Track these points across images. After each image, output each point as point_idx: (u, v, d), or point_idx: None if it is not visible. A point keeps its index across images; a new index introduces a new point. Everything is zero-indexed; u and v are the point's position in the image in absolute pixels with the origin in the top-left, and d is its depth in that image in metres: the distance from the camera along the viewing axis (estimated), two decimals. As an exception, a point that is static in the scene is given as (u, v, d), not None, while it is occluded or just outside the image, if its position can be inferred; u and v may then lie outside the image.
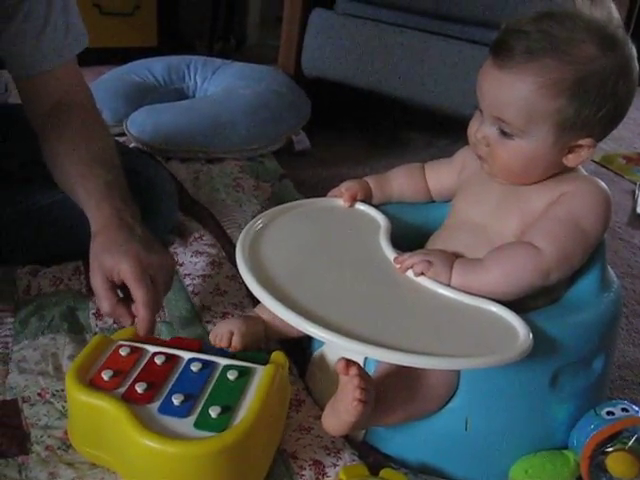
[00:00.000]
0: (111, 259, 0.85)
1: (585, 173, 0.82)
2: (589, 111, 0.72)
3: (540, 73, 0.72)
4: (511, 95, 0.74)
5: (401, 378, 0.75)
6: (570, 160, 0.77)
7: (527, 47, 0.72)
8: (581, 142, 0.76)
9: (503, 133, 0.76)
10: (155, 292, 0.86)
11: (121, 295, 0.87)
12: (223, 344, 0.85)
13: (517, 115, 0.74)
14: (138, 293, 0.84)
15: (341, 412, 0.70)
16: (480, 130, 0.78)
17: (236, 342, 0.85)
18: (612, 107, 0.73)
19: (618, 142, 2.36)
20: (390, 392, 0.75)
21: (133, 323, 0.86)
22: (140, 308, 0.84)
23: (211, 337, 0.87)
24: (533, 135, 0.75)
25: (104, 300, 0.85)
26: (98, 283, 0.86)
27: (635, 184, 1.94)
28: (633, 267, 1.45)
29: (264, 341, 0.90)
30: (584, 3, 0.74)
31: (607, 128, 0.76)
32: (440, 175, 0.94)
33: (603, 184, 0.80)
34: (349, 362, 0.69)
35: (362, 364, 0.78)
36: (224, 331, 0.86)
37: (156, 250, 0.90)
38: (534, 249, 0.75)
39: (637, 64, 0.75)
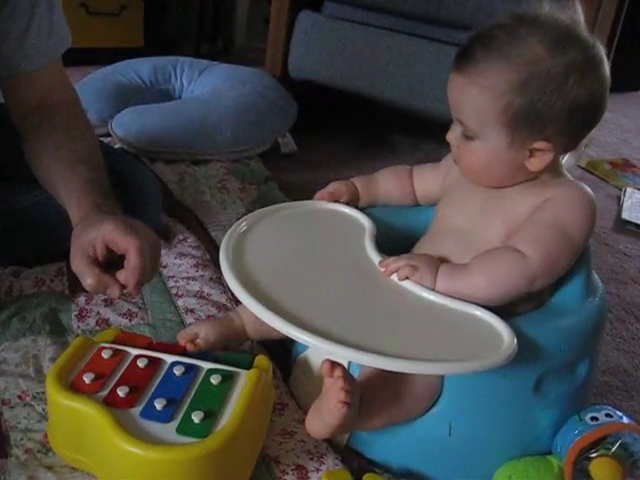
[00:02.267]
0: (93, 230, 0.83)
1: (571, 178, 0.82)
2: (536, 112, 0.73)
3: (486, 75, 0.73)
4: (464, 98, 0.76)
5: (385, 382, 0.75)
6: (532, 164, 0.77)
7: (478, 51, 0.74)
8: (537, 145, 0.75)
9: (465, 135, 0.78)
10: (145, 243, 0.82)
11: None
12: (182, 343, 0.84)
13: (470, 117, 0.77)
14: (129, 242, 0.81)
15: (325, 414, 0.70)
16: (449, 132, 0.81)
17: (198, 344, 0.84)
18: (565, 109, 0.73)
19: (604, 148, 2.38)
20: (374, 396, 0.74)
21: (121, 293, 0.82)
22: (132, 254, 0.81)
23: (178, 336, 0.86)
24: (488, 137, 0.76)
25: (87, 274, 0.82)
26: (78, 261, 0.83)
27: (620, 189, 1.95)
28: (618, 272, 1.45)
29: (241, 342, 0.91)
30: (551, 5, 0.75)
31: (570, 133, 0.76)
32: (427, 179, 0.95)
33: (588, 189, 0.80)
34: (334, 364, 0.69)
35: (347, 366, 0.78)
36: (189, 332, 0.86)
37: (141, 225, 0.87)
38: (520, 255, 0.75)
39: (602, 67, 0.74)
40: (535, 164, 0.77)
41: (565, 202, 0.77)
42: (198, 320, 0.99)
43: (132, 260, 0.81)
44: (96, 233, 0.82)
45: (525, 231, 0.77)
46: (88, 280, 0.81)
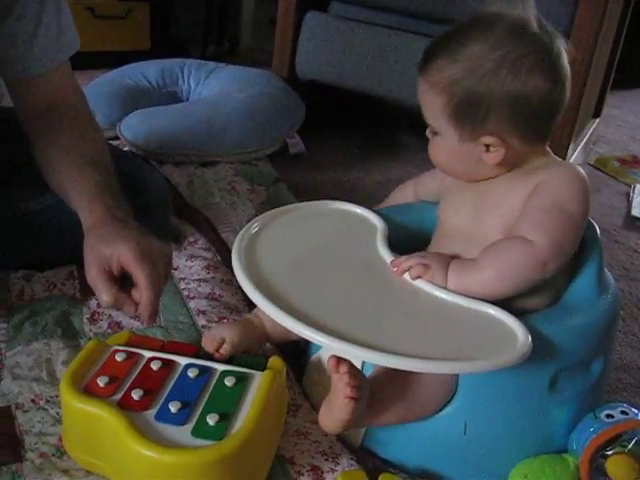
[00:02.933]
0: (108, 247, 0.84)
1: (558, 159, 0.82)
2: (473, 106, 0.75)
3: (433, 73, 0.78)
4: (421, 96, 0.81)
5: (397, 379, 0.75)
6: (488, 158, 0.78)
7: (432, 51, 0.78)
8: (486, 140, 0.77)
9: (432, 132, 0.82)
10: (157, 275, 0.84)
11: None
12: (209, 351, 0.82)
13: (427, 114, 0.81)
14: (140, 275, 0.82)
15: (334, 410, 0.70)
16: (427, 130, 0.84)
17: (225, 350, 0.82)
18: (502, 102, 0.74)
19: (612, 145, 2.37)
20: (386, 392, 0.74)
21: (136, 311, 0.84)
22: (143, 290, 0.82)
23: (203, 342, 0.85)
24: (444, 132, 0.79)
25: (103, 291, 0.83)
26: (94, 275, 0.84)
27: (629, 186, 1.94)
28: (629, 269, 1.45)
29: (262, 344, 0.90)
30: (501, 4, 0.77)
31: (520, 126, 0.76)
32: (427, 187, 0.97)
33: (577, 167, 0.80)
34: (339, 360, 0.69)
35: (360, 367, 0.78)
36: (216, 337, 0.83)
37: (153, 237, 0.88)
38: (526, 242, 0.74)
39: (551, 60, 0.75)
40: (491, 158, 0.78)
41: (558, 183, 0.77)
42: (210, 322, 0.99)
43: (144, 296, 0.82)
44: (111, 251, 0.83)
45: (526, 218, 0.76)
46: (105, 297, 0.83)
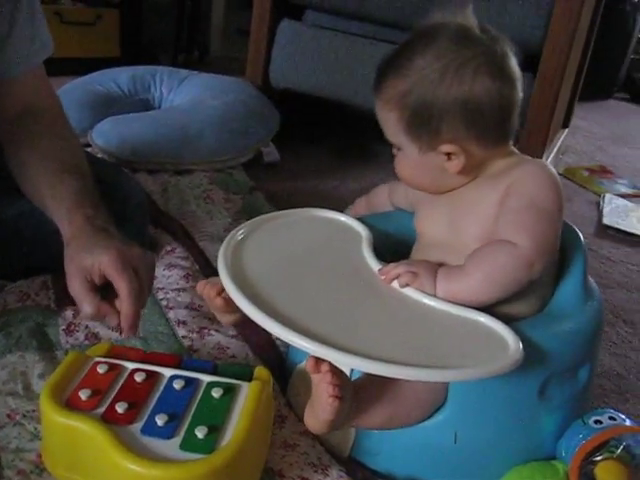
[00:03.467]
0: (90, 257, 0.81)
1: (523, 156, 0.82)
2: (423, 116, 0.76)
3: (385, 91, 0.79)
4: (378, 114, 0.82)
5: (385, 380, 0.73)
6: (451, 166, 0.79)
7: (382, 70, 0.80)
8: (445, 149, 0.77)
9: (395, 148, 0.83)
10: (139, 284, 0.82)
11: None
12: (210, 295, 0.80)
13: (386, 131, 0.82)
14: (122, 284, 0.80)
15: (318, 411, 0.69)
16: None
17: (227, 295, 0.76)
18: (452, 108, 0.75)
19: (580, 155, 2.41)
20: (373, 392, 0.73)
21: (119, 321, 0.81)
22: (125, 300, 0.79)
23: (199, 285, 0.82)
24: (404, 147, 0.81)
25: (86, 302, 0.80)
26: (77, 286, 0.81)
27: (599, 195, 1.97)
28: (603, 277, 1.46)
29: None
30: (443, 14, 0.79)
31: (477, 130, 0.77)
32: (399, 194, 0.96)
33: (543, 162, 0.81)
34: (318, 360, 0.67)
35: (348, 373, 0.77)
36: (217, 282, 0.79)
37: (135, 246, 0.86)
38: (510, 245, 0.74)
39: (497, 64, 0.76)
40: (453, 166, 0.79)
41: (529, 182, 0.77)
42: (191, 332, 0.97)
43: (124, 307, 0.80)
44: (92, 260, 0.81)
45: (505, 221, 0.76)
46: (87, 308, 0.80)
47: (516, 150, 0.83)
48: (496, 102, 0.76)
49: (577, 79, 2.13)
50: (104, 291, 0.82)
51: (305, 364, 0.82)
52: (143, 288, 0.83)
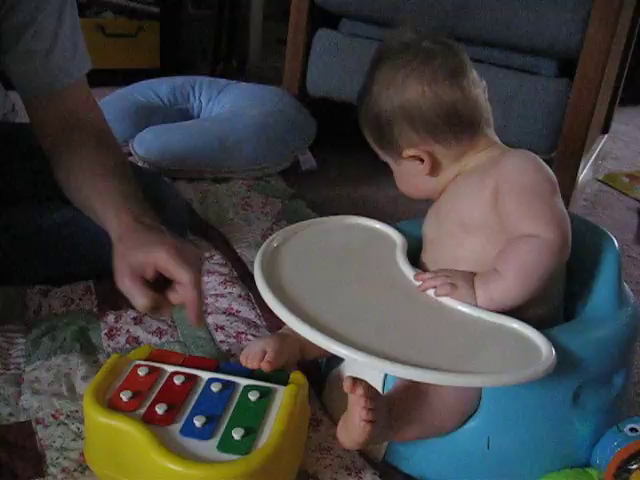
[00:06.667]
0: (141, 253, 0.82)
1: (500, 146, 0.84)
2: (380, 129, 0.83)
3: (359, 115, 0.87)
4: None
5: (417, 393, 0.75)
6: (426, 169, 0.82)
7: (357, 101, 0.87)
8: (407, 153, 0.82)
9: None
10: (198, 275, 0.82)
11: None
12: (254, 365, 0.80)
13: (375, 151, 0.89)
14: (184, 275, 0.80)
15: (351, 431, 0.70)
16: None
17: (270, 357, 0.80)
18: (400, 116, 0.80)
19: (620, 161, 2.37)
20: (406, 407, 0.74)
21: (170, 312, 0.83)
22: (188, 289, 0.80)
23: (242, 357, 0.82)
24: (387, 162, 0.88)
25: (140, 295, 0.81)
26: (128, 282, 0.82)
27: (639, 202, 1.94)
28: (642, 284, 1.44)
29: (298, 358, 0.86)
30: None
31: (435, 131, 0.80)
32: None
33: (520, 150, 0.81)
34: (355, 380, 0.69)
35: (381, 382, 0.78)
36: (256, 350, 0.81)
37: (185, 241, 0.88)
38: (529, 237, 0.75)
39: (441, 72, 0.79)
40: (427, 169, 0.82)
41: (516, 173, 0.78)
42: (229, 337, 0.99)
43: (189, 296, 0.81)
44: (146, 257, 0.82)
45: (515, 219, 0.76)
46: (141, 301, 0.81)
47: (498, 140, 0.85)
48: (434, 102, 0.79)
49: (617, 84, 2.10)
50: (154, 288, 0.83)
51: (340, 370, 0.85)
52: (201, 279, 0.84)
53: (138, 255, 0.82)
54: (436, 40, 0.82)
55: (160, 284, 0.83)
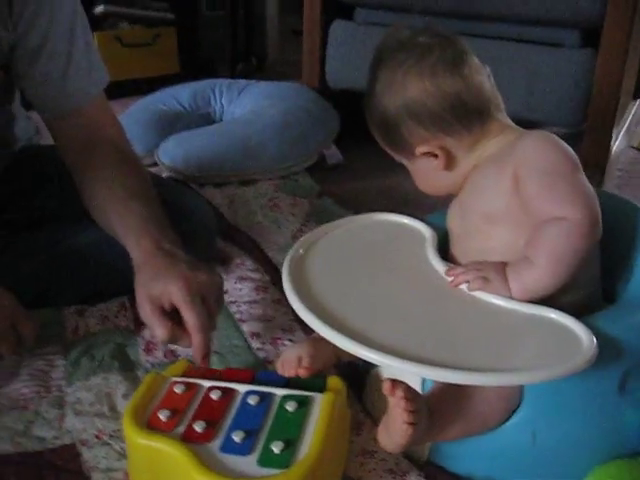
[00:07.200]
0: (158, 286, 0.84)
1: (515, 129, 0.82)
2: (388, 129, 0.82)
3: (367, 120, 0.86)
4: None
5: (457, 392, 0.73)
6: (441, 165, 0.81)
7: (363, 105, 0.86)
8: (420, 150, 0.81)
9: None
10: (207, 313, 0.84)
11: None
12: (290, 373, 0.80)
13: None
14: (190, 318, 0.83)
15: (392, 433, 0.69)
16: None
17: (307, 363, 0.80)
18: (405, 115, 0.79)
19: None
20: (445, 408, 0.73)
21: (189, 344, 0.84)
22: (193, 333, 0.83)
23: (278, 366, 0.82)
24: (402, 162, 0.87)
25: (158, 327, 0.84)
26: (148, 312, 0.85)
27: (677, 167, 1.89)
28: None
29: (333, 362, 0.86)
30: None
31: (442, 125, 0.79)
32: None
33: (536, 131, 0.79)
34: (395, 383, 0.68)
35: (420, 382, 0.77)
36: (292, 357, 0.81)
37: (202, 269, 0.89)
38: (557, 220, 0.72)
39: (439, 67, 0.78)
40: (442, 164, 0.81)
41: (533, 156, 0.76)
42: (265, 344, 0.99)
43: (195, 339, 0.83)
44: (161, 290, 0.84)
45: (539, 203, 0.74)
46: (160, 333, 0.84)
47: (511, 124, 0.82)
48: (438, 96, 0.78)
49: (646, 47, 2.04)
50: (176, 314, 0.85)
51: (379, 371, 0.84)
52: (212, 314, 0.86)
53: (154, 288, 0.85)
54: (432, 34, 0.80)
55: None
